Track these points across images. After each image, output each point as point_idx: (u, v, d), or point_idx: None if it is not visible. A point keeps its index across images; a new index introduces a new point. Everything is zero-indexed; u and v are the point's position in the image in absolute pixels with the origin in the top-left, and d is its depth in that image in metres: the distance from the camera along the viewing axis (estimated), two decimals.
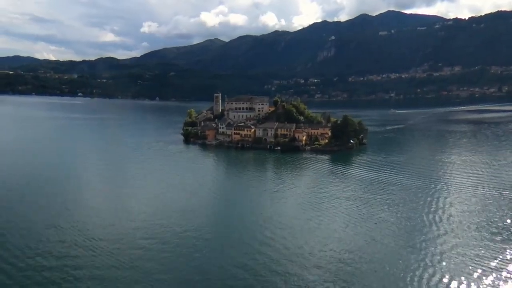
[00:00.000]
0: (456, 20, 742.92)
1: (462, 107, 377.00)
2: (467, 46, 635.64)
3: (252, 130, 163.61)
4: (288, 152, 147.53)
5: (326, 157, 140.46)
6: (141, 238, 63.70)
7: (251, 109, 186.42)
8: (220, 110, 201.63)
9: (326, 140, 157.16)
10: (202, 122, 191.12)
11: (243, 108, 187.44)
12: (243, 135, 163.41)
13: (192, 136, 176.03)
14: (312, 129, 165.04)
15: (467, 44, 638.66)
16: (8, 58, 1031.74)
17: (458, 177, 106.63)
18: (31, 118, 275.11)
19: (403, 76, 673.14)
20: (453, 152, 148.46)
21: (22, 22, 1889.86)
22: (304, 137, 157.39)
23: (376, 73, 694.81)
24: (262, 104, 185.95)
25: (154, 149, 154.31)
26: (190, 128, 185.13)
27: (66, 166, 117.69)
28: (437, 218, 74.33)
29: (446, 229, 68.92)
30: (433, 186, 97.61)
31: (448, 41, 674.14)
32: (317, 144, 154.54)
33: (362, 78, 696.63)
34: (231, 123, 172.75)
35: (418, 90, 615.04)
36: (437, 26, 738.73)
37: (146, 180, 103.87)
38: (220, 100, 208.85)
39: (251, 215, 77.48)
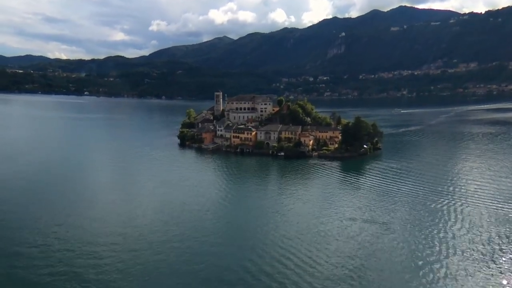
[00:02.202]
0: (471, 14, 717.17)
1: (482, 106, 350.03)
2: (483, 41, 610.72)
3: (253, 133, 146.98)
4: (292, 158, 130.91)
5: (335, 164, 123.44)
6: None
7: (253, 109, 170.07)
8: (221, 110, 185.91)
9: (336, 145, 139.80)
10: (199, 124, 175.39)
11: (244, 108, 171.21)
12: (243, 139, 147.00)
13: (188, 139, 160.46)
14: (320, 132, 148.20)
15: (484, 39, 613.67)
16: (19, 57, 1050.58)
17: (489, 191, 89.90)
18: (22, 117, 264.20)
19: (416, 73, 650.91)
20: (484, 159, 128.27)
21: (35, 21, 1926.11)
22: (311, 142, 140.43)
23: (387, 70, 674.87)
24: (265, 104, 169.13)
25: (144, 154, 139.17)
26: (187, 130, 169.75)
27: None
28: (455, 246, 61.16)
29: (469, 262, 55.86)
30: (458, 203, 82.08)
31: (464, 36, 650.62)
32: (326, 149, 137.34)
33: (373, 76, 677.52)
34: (230, 125, 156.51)
35: (432, 88, 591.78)
36: (451, 21, 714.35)
37: (121, 195, 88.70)
38: (221, 99, 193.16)
39: (251, 234, 67.38)
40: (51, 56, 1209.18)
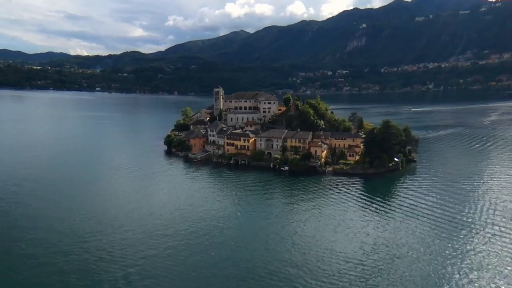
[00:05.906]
0: (505, 1, 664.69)
1: None
2: None
3: (251, 140, 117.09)
4: (300, 174, 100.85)
5: (356, 184, 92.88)
6: None
7: (255, 109, 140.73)
8: (220, 110, 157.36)
9: (357, 157, 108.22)
10: (191, 126, 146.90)
11: (245, 108, 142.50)
12: (238, 147, 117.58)
13: (175, 145, 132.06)
14: (336, 139, 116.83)
15: None
16: (40, 54, 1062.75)
17: None
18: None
19: (442, 65, 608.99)
20: None
21: (57, 19, 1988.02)
22: (324, 152, 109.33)
23: (412, 62, 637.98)
24: (269, 103, 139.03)
25: (118, 165, 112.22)
26: (175, 134, 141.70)
27: None
28: None
29: None
30: None
31: (496, 26, 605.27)
32: (343, 163, 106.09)
33: (396, 69, 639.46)
34: (225, 129, 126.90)
35: (461, 81, 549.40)
36: (482, 9, 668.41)
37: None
38: (221, 97, 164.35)
39: None
40: (72, 52, 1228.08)
